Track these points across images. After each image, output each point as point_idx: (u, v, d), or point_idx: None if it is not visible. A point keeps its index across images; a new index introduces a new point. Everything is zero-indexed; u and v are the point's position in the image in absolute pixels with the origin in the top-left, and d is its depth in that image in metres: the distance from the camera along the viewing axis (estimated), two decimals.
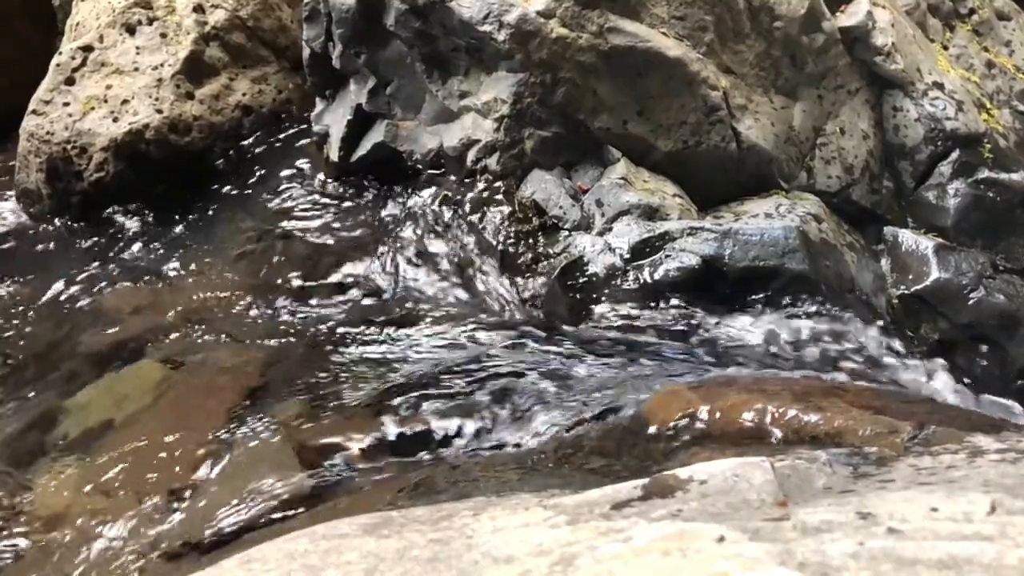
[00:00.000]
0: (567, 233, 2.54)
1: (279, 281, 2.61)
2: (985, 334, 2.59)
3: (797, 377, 2.09)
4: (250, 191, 3.08)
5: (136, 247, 2.96)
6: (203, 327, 2.47)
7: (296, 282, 2.59)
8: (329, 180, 2.97)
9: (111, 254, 2.96)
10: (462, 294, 2.51)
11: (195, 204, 3.08)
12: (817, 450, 1.31)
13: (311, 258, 2.67)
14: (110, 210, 3.08)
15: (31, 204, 3.24)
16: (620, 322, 2.34)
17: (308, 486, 1.67)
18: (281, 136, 3.29)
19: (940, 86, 2.89)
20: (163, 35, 3.27)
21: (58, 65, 3.22)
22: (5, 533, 1.75)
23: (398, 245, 2.64)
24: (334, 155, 2.94)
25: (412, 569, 0.90)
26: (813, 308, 2.36)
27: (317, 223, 2.81)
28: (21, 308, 2.78)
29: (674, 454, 1.52)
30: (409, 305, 2.46)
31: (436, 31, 2.66)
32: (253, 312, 2.50)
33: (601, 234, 2.50)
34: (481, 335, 2.26)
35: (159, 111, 3.13)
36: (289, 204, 2.94)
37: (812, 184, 2.79)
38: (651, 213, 2.50)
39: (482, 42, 2.57)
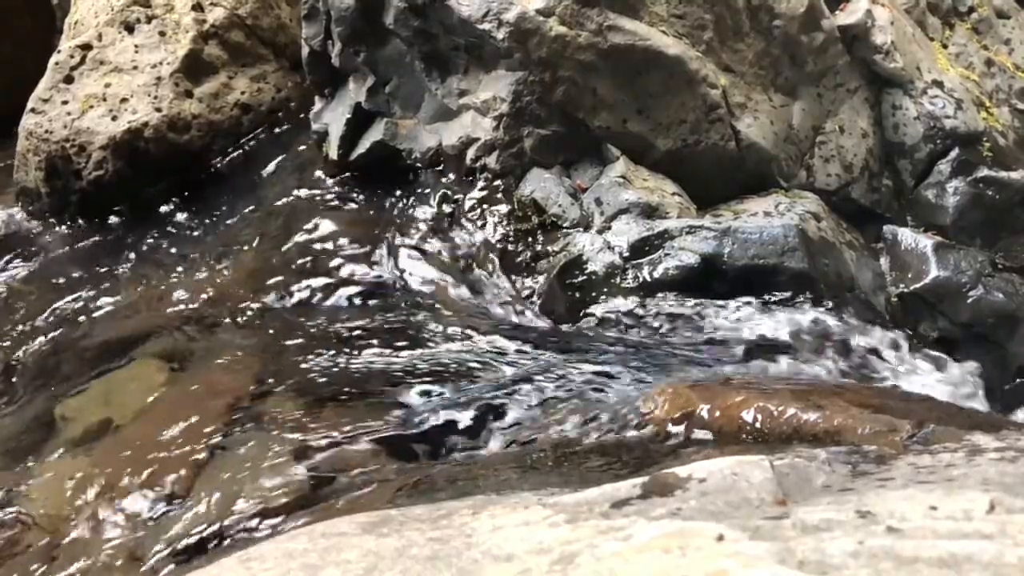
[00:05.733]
0: (566, 231, 2.54)
1: (278, 279, 2.60)
2: (984, 332, 2.59)
3: (796, 376, 2.09)
4: (249, 189, 3.08)
5: (136, 245, 2.96)
6: (203, 325, 2.47)
7: (295, 280, 2.58)
8: (328, 178, 2.97)
9: (110, 253, 2.96)
10: (462, 292, 2.51)
11: (194, 202, 3.08)
12: (816, 448, 1.31)
13: (310, 256, 2.66)
14: (109, 208, 3.08)
15: (30, 203, 3.24)
16: (619, 320, 2.34)
17: (307, 485, 1.67)
18: (280, 134, 3.28)
19: (939, 84, 2.89)
20: (162, 33, 3.26)
21: (57, 63, 3.22)
22: (5, 532, 1.75)
23: (397, 243, 2.64)
24: (333, 153, 2.94)
25: (411, 567, 0.90)
26: (812, 306, 2.36)
27: (316, 221, 2.80)
28: (20, 307, 2.78)
29: (673, 452, 1.52)
30: (408, 304, 2.46)
31: (435, 29, 2.66)
32: (253, 311, 2.50)
33: (600, 232, 2.50)
34: (480, 333, 2.26)
35: (158, 109, 3.12)
36: (288, 202, 2.94)
37: (811, 182, 2.79)
38: (650, 211, 2.50)
39: (481, 40, 2.57)
